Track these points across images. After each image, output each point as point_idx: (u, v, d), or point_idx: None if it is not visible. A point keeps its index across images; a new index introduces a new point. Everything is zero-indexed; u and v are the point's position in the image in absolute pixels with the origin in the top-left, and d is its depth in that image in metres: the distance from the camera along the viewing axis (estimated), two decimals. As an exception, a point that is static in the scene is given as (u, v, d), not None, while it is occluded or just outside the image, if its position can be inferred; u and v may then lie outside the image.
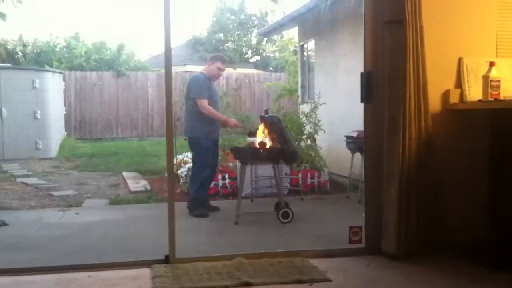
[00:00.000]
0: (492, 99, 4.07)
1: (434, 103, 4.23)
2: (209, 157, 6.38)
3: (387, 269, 3.93)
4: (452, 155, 4.29)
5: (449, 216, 4.21)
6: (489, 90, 4.09)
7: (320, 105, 8.49)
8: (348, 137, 6.92)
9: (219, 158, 7.91)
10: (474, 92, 4.26)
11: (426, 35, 4.06)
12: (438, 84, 4.24)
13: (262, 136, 6.12)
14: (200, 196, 6.35)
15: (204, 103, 6.27)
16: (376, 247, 4.23)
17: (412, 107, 4.04)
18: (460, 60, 4.33)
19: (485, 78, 4.13)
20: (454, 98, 4.29)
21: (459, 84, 4.32)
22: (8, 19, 13.38)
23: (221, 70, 6.54)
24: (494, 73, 4.10)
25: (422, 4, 4.04)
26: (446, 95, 4.30)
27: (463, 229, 4.26)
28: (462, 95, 4.30)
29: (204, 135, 6.33)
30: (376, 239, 4.23)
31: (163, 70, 4.30)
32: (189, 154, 7.62)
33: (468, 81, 4.31)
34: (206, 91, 6.32)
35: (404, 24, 4.00)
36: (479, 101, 4.16)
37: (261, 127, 6.19)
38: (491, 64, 4.14)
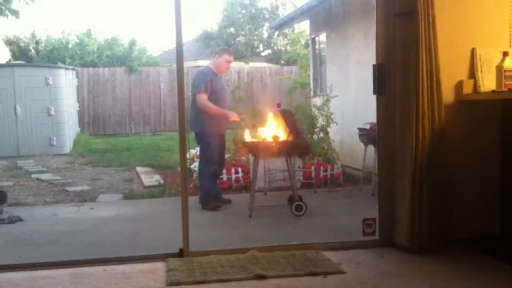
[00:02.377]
0: (506, 89, 4.03)
1: (447, 94, 4.20)
2: (215, 152, 6.35)
3: (401, 262, 3.92)
4: (465, 147, 4.26)
5: (462, 209, 4.20)
6: (503, 80, 4.05)
7: (332, 97, 8.47)
8: (360, 130, 6.89)
9: (232, 152, 7.94)
10: (488, 83, 4.23)
11: (438, 26, 4.02)
12: (451, 75, 4.21)
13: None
14: (209, 192, 6.34)
15: (201, 97, 6.19)
16: (390, 240, 4.22)
17: (425, 98, 4.01)
18: (473, 51, 4.29)
19: (499, 68, 4.09)
20: (467, 89, 4.26)
21: (472, 74, 4.29)
22: (20, 17, 13.51)
23: (228, 62, 6.47)
24: (507, 63, 4.06)
25: (434, -6, 4.01)
26: (459, 86, 4.27)
27: (476, 222, 4.24)
28: (475, 86, 4.27)
29: (208, 130, 6.28)
30: (390, 232, 4.23)
31: (174, 65, 4.31)
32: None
33: (481, 71, 4.27)
34: (207, 85, 6.23)
35: (416, 16, 3.97)
36: (493, 91, 4.13)
37: (270, 115, 6.14)
38: (505, 54, 4.10)
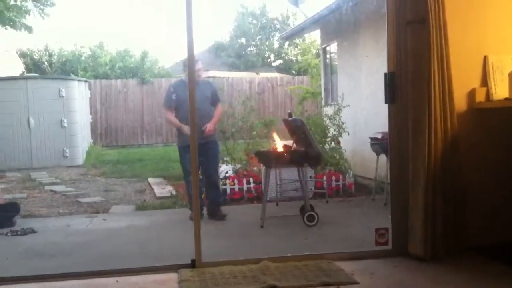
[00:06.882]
0: (519, 97, 4.01)
1: (460, 102, 4.17)
2: (186, 164, 6.13)
3: (414, 271, 3.89)
4: (478, 155, 4.23)
5: (476, 216, 4.17)
6: (516, 88, 4.03)
7: (344, 107, 8.45)
8: (372, 139, 6.87)
9: (244, 162, 7.95)
10: (501, 90, 4.20)
11: (449, 34, 4.02)
12: (463, 83, 4.19)
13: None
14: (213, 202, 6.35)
15: (165, 113, 6.65)
16: (403, 249, 4.18)
17: (437, 107, 3.99)
18: (485, 58, 4.27)
19: (511, 75, 4.07)
20: (480, 97, 4.24)
21: (484, 82, 4.27)
22: (34, 30, 13.67)
23: (198, 70, 6.21)
24: (520, 71, 4.04)
25: (445, 2, 4.00)
26: (471, 94, 4.25)
27: (490, 229, 4.21)
28: (488, 94, 4.25)
29: (180, 143, 6.39)
30: (403, 241, 4.19)
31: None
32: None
33: (494, 79, 4.24)
34: (170, 100, 6.42)
35: (427, 24, 3.96)
36: (506, 99, 4.10)
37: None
38: (517, 61, 4.08)
